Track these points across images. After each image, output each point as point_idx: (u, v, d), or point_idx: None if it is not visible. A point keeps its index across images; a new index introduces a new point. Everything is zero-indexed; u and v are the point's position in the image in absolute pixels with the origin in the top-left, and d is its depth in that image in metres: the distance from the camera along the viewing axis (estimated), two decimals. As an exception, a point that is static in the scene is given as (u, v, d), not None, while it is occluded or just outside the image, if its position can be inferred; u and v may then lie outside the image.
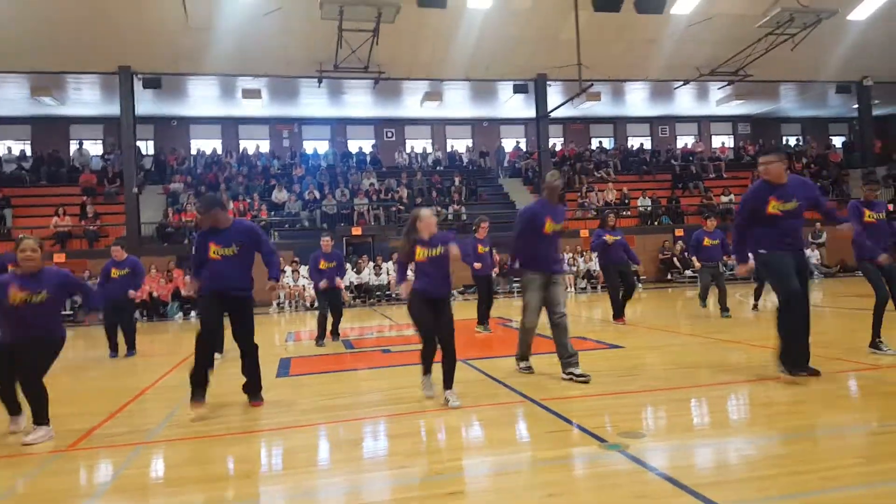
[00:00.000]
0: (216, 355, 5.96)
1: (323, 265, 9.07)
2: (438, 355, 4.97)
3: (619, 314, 9.77)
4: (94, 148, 22.80)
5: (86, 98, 20.47)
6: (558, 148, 25.16)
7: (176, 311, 16.17)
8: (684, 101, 24.81)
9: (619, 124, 27.06)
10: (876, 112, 24.50)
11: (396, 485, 3.32)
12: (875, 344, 6.00)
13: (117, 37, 16.25)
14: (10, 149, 22.13)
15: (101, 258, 15.04)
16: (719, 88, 22.44)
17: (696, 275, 18.95)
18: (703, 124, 27.78)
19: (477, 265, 9.07)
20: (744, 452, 3.57)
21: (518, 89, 20.63)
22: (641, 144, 26.67)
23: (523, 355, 6.02)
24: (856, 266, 6.32)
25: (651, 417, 4.42)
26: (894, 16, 18.30)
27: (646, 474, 3.22)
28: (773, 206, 5.04)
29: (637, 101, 24.69)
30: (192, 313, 15.93)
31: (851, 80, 22.26)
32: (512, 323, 10.16)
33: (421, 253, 5.01)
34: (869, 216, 5.98)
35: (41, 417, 4.46)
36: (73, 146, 22.48)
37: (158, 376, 7.00)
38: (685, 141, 27.41)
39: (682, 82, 21.13)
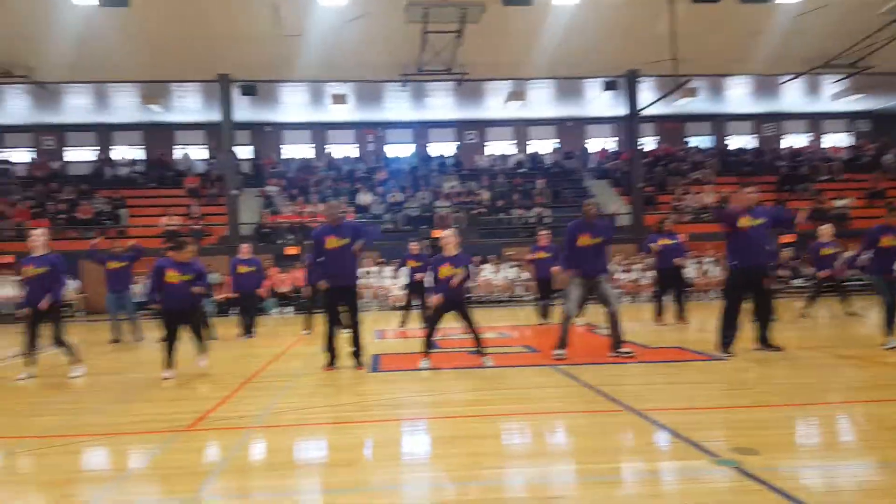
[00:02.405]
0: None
1: (412, 264, 11.20)
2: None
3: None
4: (199, 152, 24.07)
5: (189, 105, 21.61)
6: (649, 148, 24.07)
7: (273, 306, 16.66)
8: (792, 97, 23.01)
9: (717, 122, 25.53)
10: None
11: (492, 485, 3.25)
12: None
13: (216, 46, 16.96)
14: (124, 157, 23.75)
15: (205, 256, 15.62)
16: (834, 82, 20.63)
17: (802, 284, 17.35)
18: (815, 122, 25.70)
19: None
20: (870, 478, 3.19)
21: (608, 86, 19.86)
22: (744, 144, 25.01)
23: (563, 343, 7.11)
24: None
25: (766, 434, 3.89)
26: None
27: (765, 493, 2.89)
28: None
29: (738, 97, 23.20)
30: (290, 308, 16.46)
31: None
32: (600, 329, 9.68)
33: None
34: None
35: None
36: (179, 151, 23.83)
37: (261, 366, 7.39)
38: (793, 140, 25.47)
39: (790, 76, 19.57)
